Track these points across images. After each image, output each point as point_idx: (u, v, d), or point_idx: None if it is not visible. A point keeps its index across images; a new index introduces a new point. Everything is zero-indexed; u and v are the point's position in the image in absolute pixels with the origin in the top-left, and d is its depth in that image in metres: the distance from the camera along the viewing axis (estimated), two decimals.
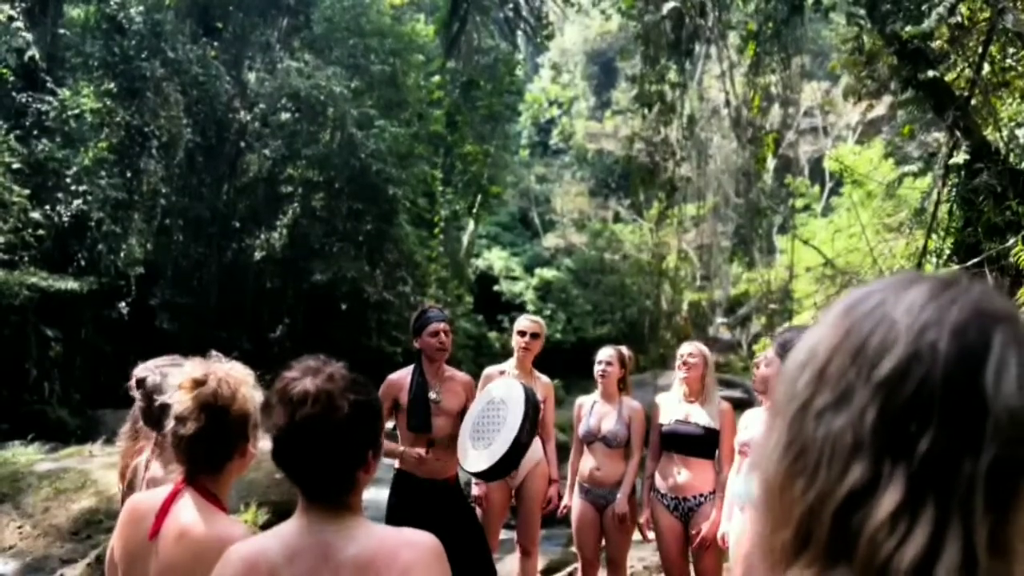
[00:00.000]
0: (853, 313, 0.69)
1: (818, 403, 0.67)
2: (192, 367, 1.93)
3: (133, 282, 14.50)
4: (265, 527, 6.40)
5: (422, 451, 4.12)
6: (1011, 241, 6.24)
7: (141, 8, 14.61)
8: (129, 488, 2.59)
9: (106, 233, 13.55)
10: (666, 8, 7.93)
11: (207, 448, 1.88)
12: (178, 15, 15.66)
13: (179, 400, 1.87)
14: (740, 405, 5.58)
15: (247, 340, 15.84)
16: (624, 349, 4.89)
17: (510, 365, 4.87)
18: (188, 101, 15.28)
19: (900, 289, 0.70)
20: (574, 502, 4.77)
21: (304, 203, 17.23)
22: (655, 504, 4.52)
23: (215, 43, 16.57)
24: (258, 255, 17.23)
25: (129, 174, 14.42)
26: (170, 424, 1.89)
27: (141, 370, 2.49)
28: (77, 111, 13.32)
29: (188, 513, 1.86)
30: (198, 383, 1.88)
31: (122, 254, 13.87)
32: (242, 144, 16.94)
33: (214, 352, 2.02)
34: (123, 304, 14.44)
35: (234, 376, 1.93)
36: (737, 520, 3.93)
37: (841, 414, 0.66)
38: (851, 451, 0.65)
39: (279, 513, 6.48)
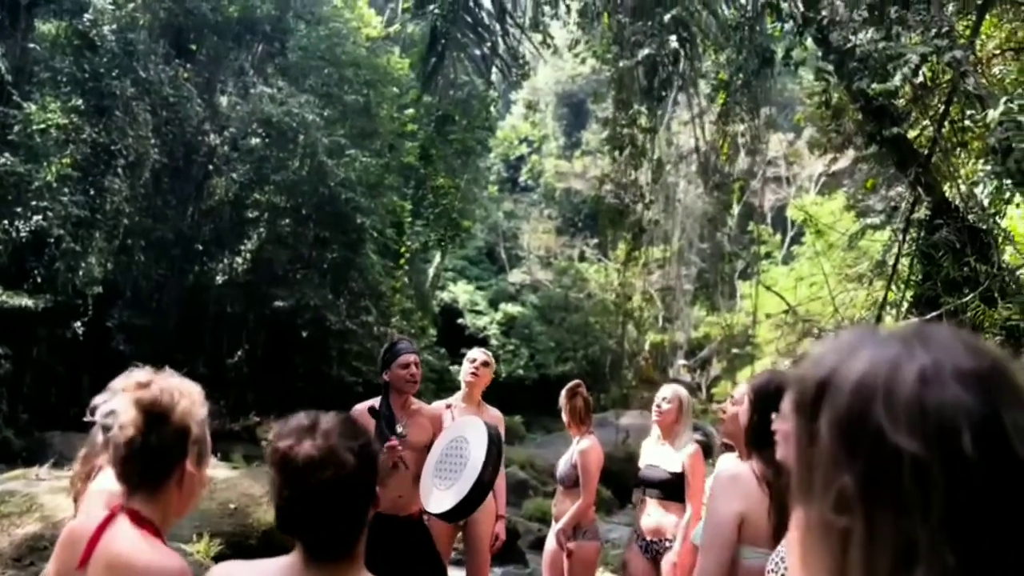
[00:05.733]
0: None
1: None
2: (138, 374, 1.84)
3: (90, 301, 14.19)
4: (217, 559, 6.23)
5: (394, 442, 3.98)
6: (969, 296, 6.41)
7: (114, 26, 14.50)
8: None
9: (65, 251, 13.29)
10: (641, 55, 8.08)
11: (142, 460, 1.76)
12: (151, 35, 15.57)
13: (117, 403, 1.79)
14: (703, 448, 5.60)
15: (204, 365, 15.55)
16: (570, 385, 4.87)
17: (457, 398, 4.86)
18: (157, 121, 15.14)
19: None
20: (547, 541, 4.79)
21: (270, 228, 17.10)
22: (631, 545, 4.56)
23: (188, 65, 16.49)
24: (220, 279, 17.00)
25: (92, 192, 14.19)
26: (111, 432, 1.80)
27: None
28: (43, 126, 13.12)
29: (120, 541, 1.75)
30: (140, 386, 1.79)
31: (80, 272, 13.60)
32: (210, 167, 16.80)
33: (168, 368, 1.91)
34: (78, 324, 14.10)
35: (179, 388, 1.83)
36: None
37: None
38: None
39: (232, 545, 6.32)
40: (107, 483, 2.20)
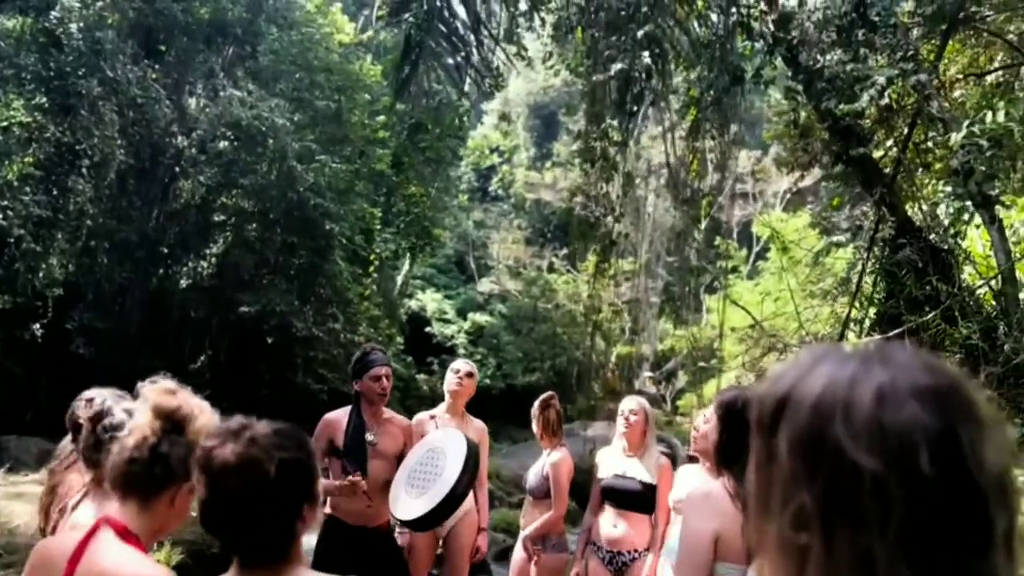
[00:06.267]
0: None
1: None
2: (165, 382, 1.82)
3: (50, 303, 13.91)
4: (179, 568, 6.12)
5: (358, 479, 3.96)
6: (930, 315, 6.55)
7: (81, 24, 14.26)
8: (55, 528, 2.43)
9: (26, 251, 13.01)
10: (614, 70, 8.16)
11: (146, 467, 1.73)
12: (120, 34, 15.34)
13: (140, 408, 1.78)
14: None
15: (167, 370, 15.16)
16: (544, 397, 4.87)
17: (441, 409, 4.84)
18: (124, 122, 14.90)
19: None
20: (515, 550, 4.77)
21: (236, 233, 16.89)
22: (590, 556, 4.53)
23: (156, 66, 16.27)
24: (184, 283, 16.74)
25: (55, 192, 13.92)
26: (121, 434, 1.78)
27: (90, 395, 2.36)
28: (5, 124, 12.86)
29: (105, 556, 1.69)
30: (167, 392, 1.78)
31: (41, 274, 13.32)
32: (177, 169, 16.57)
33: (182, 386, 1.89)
34: (37, 326, 13.79)
35: (200, 406, 1.83)
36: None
37: None
38: None
39: (194, 554, 6.23)
40: (91, 514, 2.14)
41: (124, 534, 1.74)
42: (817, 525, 0.69)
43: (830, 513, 0.69)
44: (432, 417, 4.71)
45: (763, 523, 0.75)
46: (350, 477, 3.98)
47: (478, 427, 4.77)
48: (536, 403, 4.80)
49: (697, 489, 2.68)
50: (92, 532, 1.75)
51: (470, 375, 4.82)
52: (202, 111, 16.60)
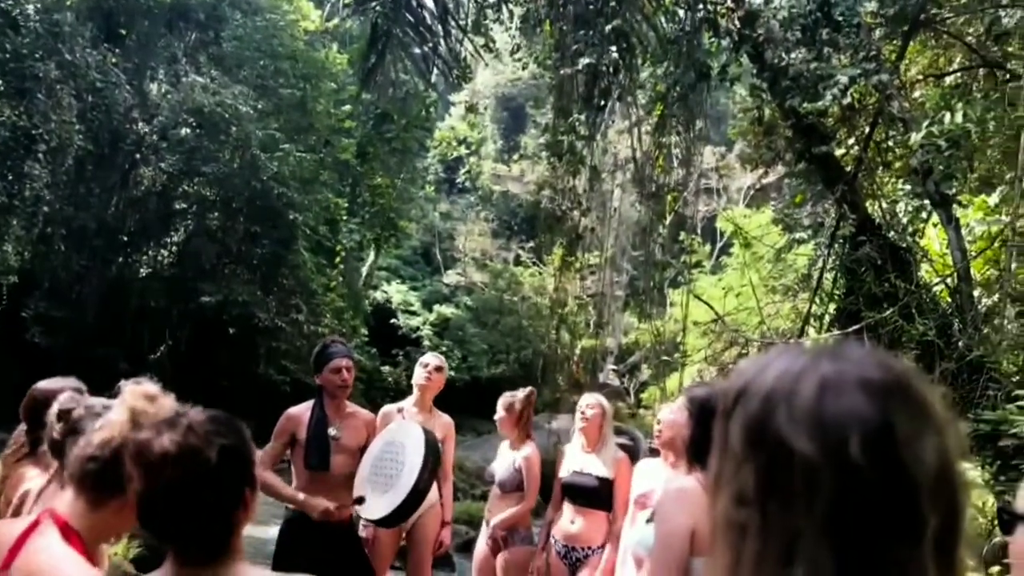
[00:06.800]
0: None
1: None
2: (150, 385, 1.79)
3: (5, 291, 13.59)
4: (137, 562, 6.03)
5: (330, 506, 3.93)
6: (888, 312, 6.66)
7: (39, 5, 13.90)
8: (15, 512, 2.39)
9: None
10: (582, 63, 8.16)
11: (106, 466, 1.69)
12: (78, 17, 14.98)
13: (117, 407, 1.74)
14: (625, 452, 5.69)
15: (125, 360, 15.02)
16: (520, 393, 4.88)
17: (409, 402, 4.82)
18: (82, 107, 14.58)
19: None
20: (477, 544, 4.78)
21: (198, 221, 16.64)
22: (549, 551, 4.57)
23: (116, 50, 15.92)
24: (144, 271, 16.46)
25: (11, 177, 13.58)
26: (89, 428, 1.74)
27: (47, 384, 2.31)
28: None
29: (42, 554, 1.66)
30: (146, 396, 1.74)
31: None
32: (137, 156, 16.26)
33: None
34: None
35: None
36: (631, 572, 3.98)
37: None
38: None
39: (152, 547, 6.13)
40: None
41: (65, 530, 1.70)
42: (756, 504, 0.73)
43: (766, 493, 0.72)
44: (400, 410, 4.70)
45: (714, 501, 0.79)
46: (327, 505, 3.93)
47: (445, 422, 4.77)
48: (520, 397, 4.81)
49: (672, 485, 2.71)
50: (34, 525, 1.71)
51: (439, 369, 4.81)
52: (163, 97, 16.30)
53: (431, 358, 4.91)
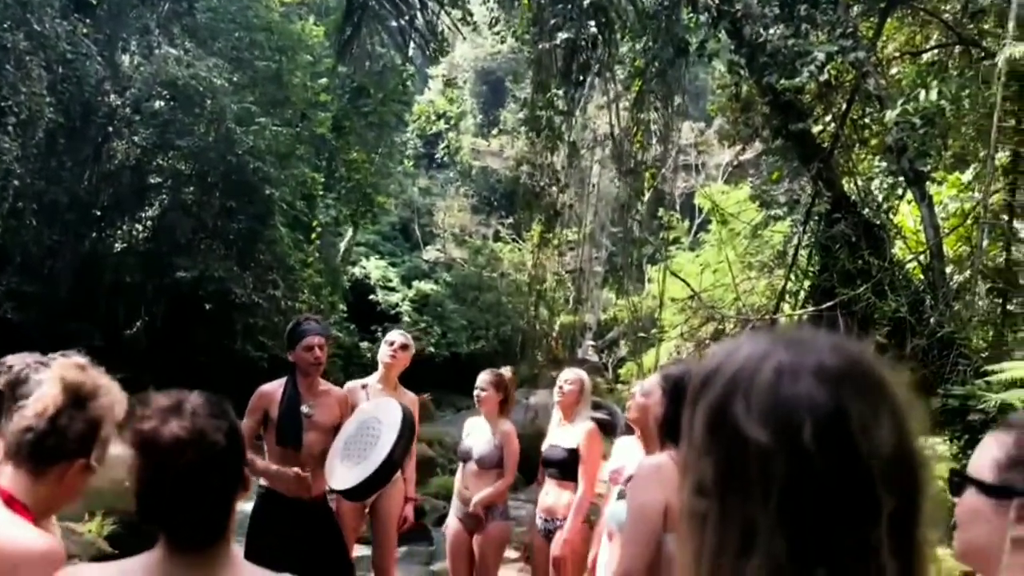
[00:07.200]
0: None
1: None
2: (78, 358, 1.81)
3: None
4: (111, 538, 6.01)
5: (297, 470, 3.96)
6: (861, 288, 6.73)
7: None
8: None
9: None
10: (560, 38, 8.11)
11: (41, 436, 1.69)
12: None
13: (48, 379, 1.75)
14: (603, 427, 5.74)
15: (100, 336, 14.88)
16: (505, 372, 4.91)
17: (374, 379, 4.82)
18: (53, 78, 14.27)
19: None
20: (449, 522, 4.79)
21: (173, 196, 16.41)
22: (533, 524, 4.68)
23: (87, 20, 15.56)
24: (119, 246, 16.24)
25: None
26: (24, 402, 1.74)
27: (10, 362, 2.30)
28: None
29: None
30: (76, 366, 1.76)
31: None
32: (110, 129, 15.97)
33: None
34: None
35: (108, 386, 1.80)
36: (605, 546, 4.02)
37: None
38: None
39: (126, 524, 6.12)
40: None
41: (10, 502, 1.69)
42: (715, 493, 0.73)
43: (724, 482, 0.72)
44: (364, 386, 4.69)
45: (681, 489, 0.79)
46: (293, 470, 3.95)
47: (411, 399, 4.77)
48: (506, 375, 4.83)
49: (647, 461, 2.72)
50: None
51: (404, 347, 4.80)
52: (136, 69, 15.99)
53: (397, 336, 4.90)
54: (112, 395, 1.80)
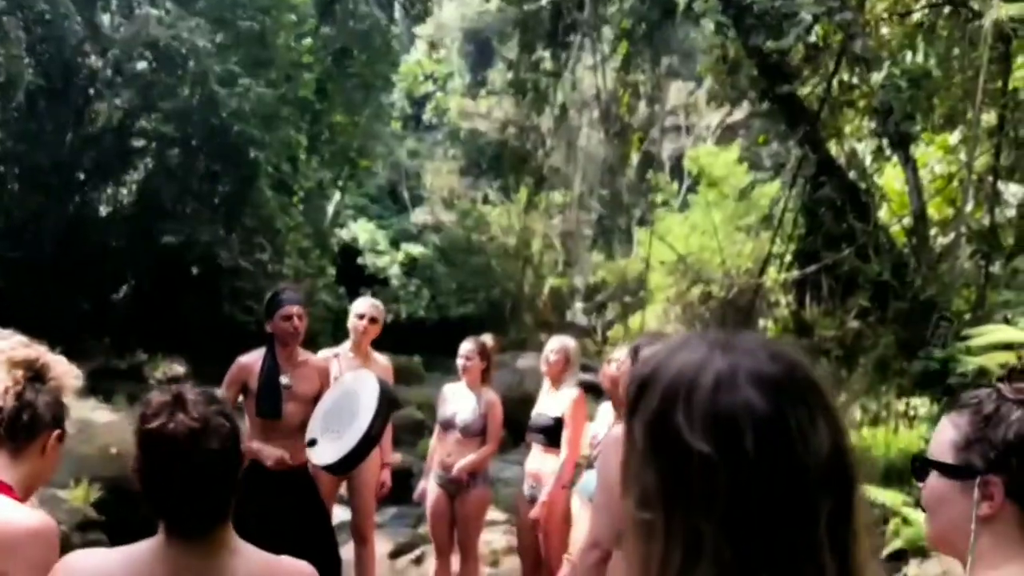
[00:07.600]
0: None
1: None
2: (18, 337, 1.82)
3: None
4: (97, 505, 6.04)
5: (285, 455, 3.96)
6: (846, 252, 6.75)
7: None
8: None
9: None
10: None
11: (15, 413, 1.72)
12: None
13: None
14: (593, 389, 5.77)
15: (86, 301, 14.84)
16: (488, 340, 4.93)
17: (345, 347, 4.82)
18: (32, 39, 14.02)
19: None
20: (429, 488, 4.82)
21: (157, 159, 16.23)
22: (521, 490, 4.75)
23: None
24: (103, 211, 16.11)
25: None
26: None
27: None
28: None
29: None
30: (23, 344, 1.78)
31: None
32: (91, 91, 15.73)
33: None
34: None
35: (56, 358, 1.83)
36: (581, 516, 4.06)
37: None
38: None
39: (112, 489, 6.13)
40: None
41: None
42: (659, 505, 0.73)
43: (668, 493, 0.73)
44: (336, 356, 4.69)
45: (624, 498, 0.79)
46: (280, 453, 3.97)
47: (383, 365, 4.78)
48: (489, 344, 4.84)
49: (615, 430, 2.73)
50: None
51: (374, 320, 4.79)
52: (116, 30, 15.69)
53: (367, 308, 4.88)
54: (63, 364, 1.83)
